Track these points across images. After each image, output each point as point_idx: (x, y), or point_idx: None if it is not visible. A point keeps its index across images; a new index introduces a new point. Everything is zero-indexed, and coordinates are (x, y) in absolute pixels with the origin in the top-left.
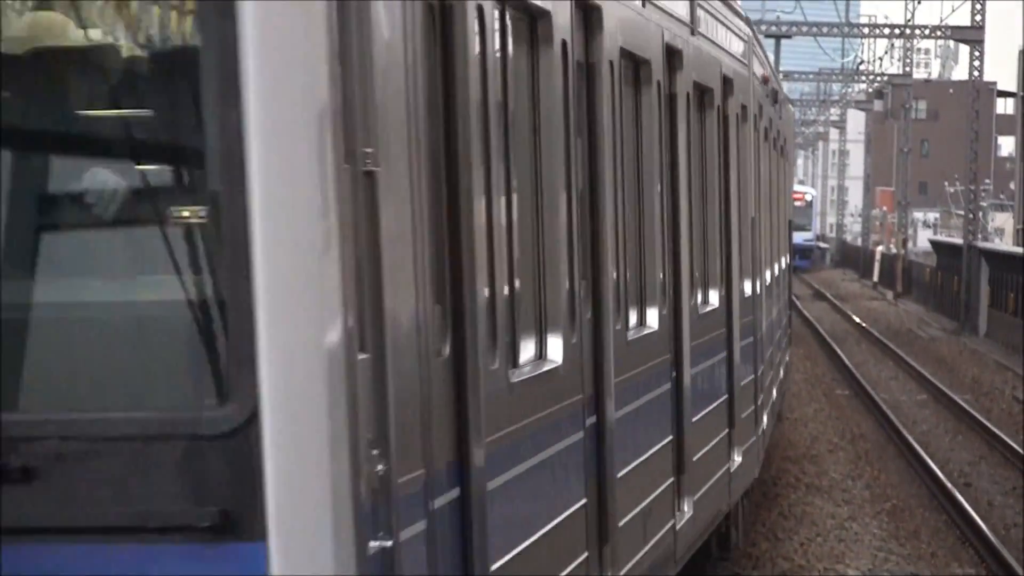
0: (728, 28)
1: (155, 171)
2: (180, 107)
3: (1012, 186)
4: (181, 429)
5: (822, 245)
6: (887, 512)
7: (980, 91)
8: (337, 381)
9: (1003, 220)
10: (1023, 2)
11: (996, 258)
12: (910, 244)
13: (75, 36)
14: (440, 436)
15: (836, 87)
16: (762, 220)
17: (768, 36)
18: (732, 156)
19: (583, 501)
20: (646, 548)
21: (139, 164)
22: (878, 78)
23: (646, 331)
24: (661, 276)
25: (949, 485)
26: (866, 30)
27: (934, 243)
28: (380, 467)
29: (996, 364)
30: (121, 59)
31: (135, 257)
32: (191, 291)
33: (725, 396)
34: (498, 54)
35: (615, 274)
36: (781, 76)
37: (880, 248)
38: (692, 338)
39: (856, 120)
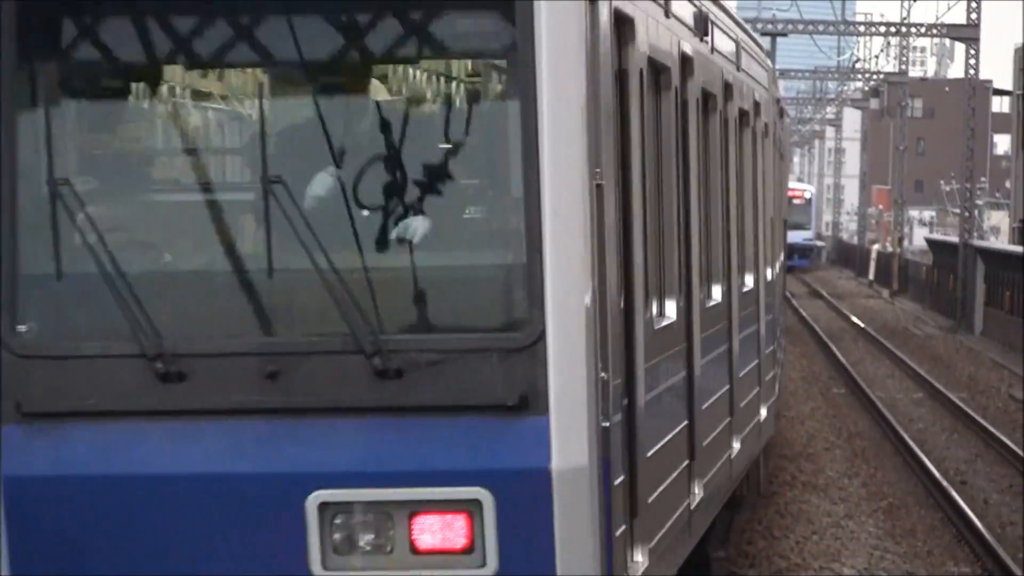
0: (758, 63)
1: (482, 183)
2: (499, 141)
3: (1008, 184)
4: (497, 344)
5: (819, 243)
6: (883, 510)
7: (976, 89)
8: (589, 318)
9: (999, 218)
10: (1022, 1)
11: (992, 256)
12: (906, 242)
13: (410, 94)
14: (620, 359)
15: (832, 85)
16: (776, 218)
17: (764, 34)
18: (759, 165)
19: (685, 422)
20: (716, 467)
21: (473, 180)
22: (874, 76)
23: (712, 302)
24: (721, 261)
25: (945, 483)
26: (862, 28)
27: (930, 241)
28: (603, 374)
29: (992, 362)
30: (467, 110)
31: (472, 238)
32: (505, 259)
33: (756, 360)
34: (646, 98)
35: (699, 258)
36: (778, 74)
37: (876, 246)
38: (739, 310)
39: (852, 118)
